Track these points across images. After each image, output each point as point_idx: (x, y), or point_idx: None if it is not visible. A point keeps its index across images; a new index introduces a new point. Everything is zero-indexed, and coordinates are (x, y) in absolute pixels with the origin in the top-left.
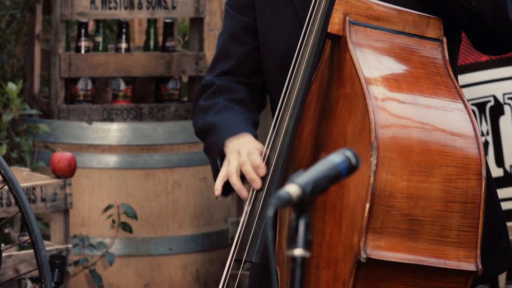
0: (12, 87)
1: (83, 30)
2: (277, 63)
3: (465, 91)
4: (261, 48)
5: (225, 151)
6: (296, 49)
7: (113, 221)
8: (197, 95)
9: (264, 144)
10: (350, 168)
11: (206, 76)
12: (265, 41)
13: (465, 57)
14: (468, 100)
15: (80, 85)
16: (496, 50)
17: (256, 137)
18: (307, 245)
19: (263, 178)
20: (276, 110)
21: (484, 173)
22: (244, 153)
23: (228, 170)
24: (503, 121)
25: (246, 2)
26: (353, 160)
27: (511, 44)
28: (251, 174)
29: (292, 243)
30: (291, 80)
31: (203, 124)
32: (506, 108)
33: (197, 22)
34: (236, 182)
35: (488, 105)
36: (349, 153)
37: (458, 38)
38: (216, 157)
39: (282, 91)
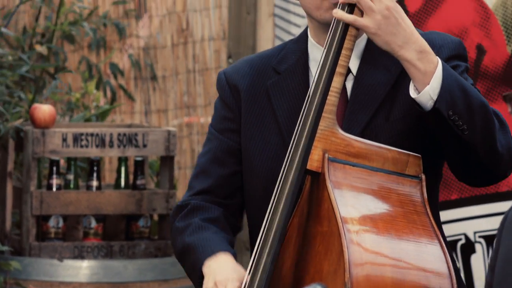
0: None
1: (54, 168)
2: (260, 188)
3: None
4: (244, 173)
5: (203, 272)
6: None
7: None
8: (172, 216)
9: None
10: None
11: (183, 196)
12: (250, 167)
13: None
14: None
15: (52, 222)
16: (482, 181)
17: (234, 254)
18: None
19: None
20: (255, 239)
21: None
22: None
23: None
24: (474, 259)
25: (232, 127)
26: None
27: (497, 175)
28: None
29: None
30: (270, 217)
31: (181, 246)
32: (478, 246)
33: (167, 160)
34: None
35: (459, 244)
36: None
37: (440, 174)
38: (196, 280)
39: (264, 217)
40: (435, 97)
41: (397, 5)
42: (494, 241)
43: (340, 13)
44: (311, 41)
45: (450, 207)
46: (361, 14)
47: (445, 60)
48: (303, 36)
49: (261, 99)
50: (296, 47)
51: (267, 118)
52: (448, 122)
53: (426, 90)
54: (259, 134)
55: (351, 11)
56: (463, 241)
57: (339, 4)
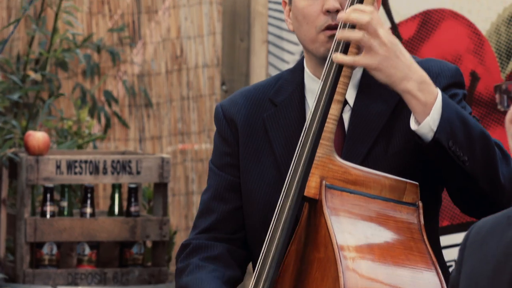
0: None
1: (48, 195)
2: (259, 219)
3: None
4: (244, 204)
5: None
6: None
7: None
8: (176, 256)
9: None
10: None
11: (189, 234)
12: (248, 199)
13: None
14: None
15: (45, 249)
16: (484, 212)
17: None
18: None
19: None
20: (255, 266)
21: None
22: None
23: None
24: None
25: (230, 162)
26: None
27: (499, 206)
28: None
29: None
30: (268, 243)
31: (178, 286)
32: None
33: (161, 187)
34: None
35: (450, 270)
36: None
37: (439, 200)
38: None
39: (263, 245)
40: (435, 128)
41: (395, 37)
42: (455, 261)
43: (340, 57)
44: (307, 72)
45: (442, 233)
46: (358, 48)
47: (443, 88)
48: (300, 66)
49: (258, 131)
50: (292, 77)
51: (263, 150)
52: (449, 153)
53: (427, 121)
54: (256, 166)
55: (346, 46)
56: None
57: (335, 40)
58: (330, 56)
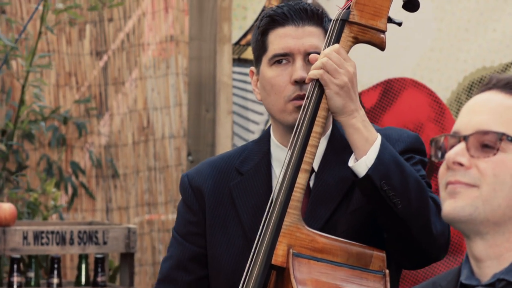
0: None
1: (15, 266)
2: (226, 287)
3: None
4: (211, 272)
5: None
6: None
7: None
8: None
9: None
10: None
11: None
12: (216, 265)
13: None
14: None
15: None
16: (415, 261)
17: None
18: None
19: None
20: None
21: None
22: None
23: None
24: None
25: (195, 230)
26: None
27: (430, 256)
28: None
29: None
30: None
31: None
32: None
33: (127, 257)
34: None
35: None
36: None
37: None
38: None
39: None
40: (370, 166)
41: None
42: None
43: (311, 72)
44: (274, 141)
45: None
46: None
47: (400, 152)
48: (266, 136)
49: (225, 200)
50: (258, 147)
51: (230, 218)
52: (381, 193)
53: (363, 159)
54: (223, 234)
55: (319, 99)
56: None
57: (308, 91)
58: (297, 126)
